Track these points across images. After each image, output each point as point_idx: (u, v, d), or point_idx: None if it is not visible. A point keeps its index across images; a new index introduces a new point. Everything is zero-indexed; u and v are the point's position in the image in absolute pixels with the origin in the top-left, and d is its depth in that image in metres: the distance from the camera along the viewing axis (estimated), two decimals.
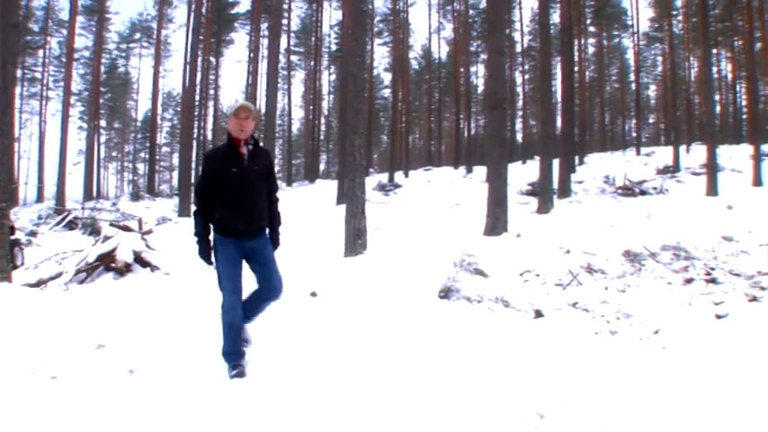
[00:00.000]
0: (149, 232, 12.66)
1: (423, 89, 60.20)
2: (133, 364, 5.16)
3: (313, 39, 49.02)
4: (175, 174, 63.83)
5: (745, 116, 53.29)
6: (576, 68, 33.41)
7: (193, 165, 35.24)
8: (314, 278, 9.18)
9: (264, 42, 38.23)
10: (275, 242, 5.42)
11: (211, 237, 5.17)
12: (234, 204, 4.99)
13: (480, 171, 39.27)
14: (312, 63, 50.81)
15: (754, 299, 7.91)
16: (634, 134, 55.01)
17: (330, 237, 14.49)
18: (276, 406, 4.08)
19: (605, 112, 62.93)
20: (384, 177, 39.17)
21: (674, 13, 42.85)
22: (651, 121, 74.52)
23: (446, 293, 8.45)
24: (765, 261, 10.45)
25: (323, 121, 55.87)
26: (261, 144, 5.37)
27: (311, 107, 52.55)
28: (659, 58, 62.47)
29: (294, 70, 52.19)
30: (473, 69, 55.48)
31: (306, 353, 5.46)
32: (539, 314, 7.70)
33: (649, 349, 6.01)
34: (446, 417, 3.97)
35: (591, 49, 52.86)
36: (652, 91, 71.59)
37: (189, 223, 21.42)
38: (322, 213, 22.59)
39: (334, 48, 50.33)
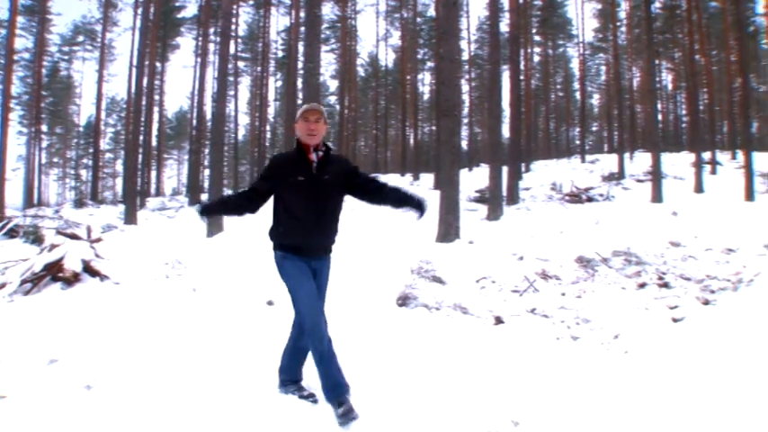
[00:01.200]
0: (98, 240, 12.32)
1: (369, 96, 60.25)
2: (90, 379, 4.88)
3: (260, 44, 48.64)
4: (119, 180, 62.73)
5: (685, 125, 54.51)
6: (522, 77, 33.73)
7: (139, 172, 34.68)
8: (270, 286, 9.05)
9: (212, 47, 37.90)
10: (419, 205, 4.49)
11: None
12: (299, 217, 4.40)
13: (427, 178, 39.36)
14: (259, 69, 50.46)
15: (706, 302, 8.06)
16: (578, 142, 55.85)
17: None
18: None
19: (550, 120, 63.78)
20: None
21: (618, 24, 43.56)
22: (595, 128, 75.63)
23: (404, 301, 8.41)
24: (713, 265, 10.66)
25: (268, 127, 55.56)
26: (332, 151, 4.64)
27: (257, 113, 52.10)
28: (603, 68, 63.50)
29: (240, 76, 51.71)
30: (420, 77, 55.69)
31: (264, 363, 5.34)
32: (499, 321, 7.71)
33: (613, 354, 6.07)
34: (418, 427, 3.95)
35: (536, 58, 53.45)
36: (596, 99, 72.71)
37: (136, 231, 21.07)
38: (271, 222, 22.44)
39: (281, 54, 50.10)
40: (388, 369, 5.15)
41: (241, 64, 50.82)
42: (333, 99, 56.71)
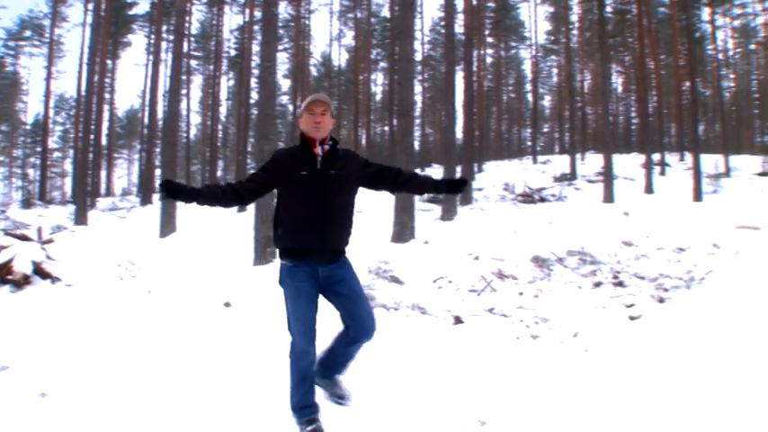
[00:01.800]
0: (50, 241, 12.03)
1: None
2: (44, 386, 4.67)
3: (213, 43, 48.17)
4: (69, 180, 61.54)
5: (635, 127, 55.44)
6: (474, 78, 33.96)
7: (89, 171, 34.10)
8: (226, 288, 8.94)
9: (164, 45, 37.41)
10: (450, 182, 4.22)
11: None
12: (302, 216, 3.99)
13: None
14: (211, 68, 49.96)
15: (661, 300, 8.16)
16: (530, 143, 56.47)
17: (236, 245, 14.21)
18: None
19: (502, 121, 64.37)
20: None
21: (570, 27, 44.14)
22: (546, 130, 76.46)
23: None
24: (665, 264, 10.82)
25: (220, 127, 55.07)
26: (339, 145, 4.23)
27: (209, 113, 51.58)
28: (555, 70, 64.29)
29: (192, 75, 51.10)
30: (373, 77, 55.78)
31: (223, 365, 5.28)
32: (458, 320, 7.70)
33: (573, 352, 6.09)
34: (387, 429, 3.94)
35: (489, 60, 53.84)
36: (547, 101, 73.55)
37: (87, 232, 20.71)
38: (225, 221, 22.16)
39: (233, 53, 49.70)
40: (350, 371, 5.12)
41: (193, 62, 50.26)
42: (285, 99, 56.41)
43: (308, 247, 3.99)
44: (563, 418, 4.09)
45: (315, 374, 4.16)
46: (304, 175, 3.96)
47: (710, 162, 31.72)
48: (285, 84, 56.01)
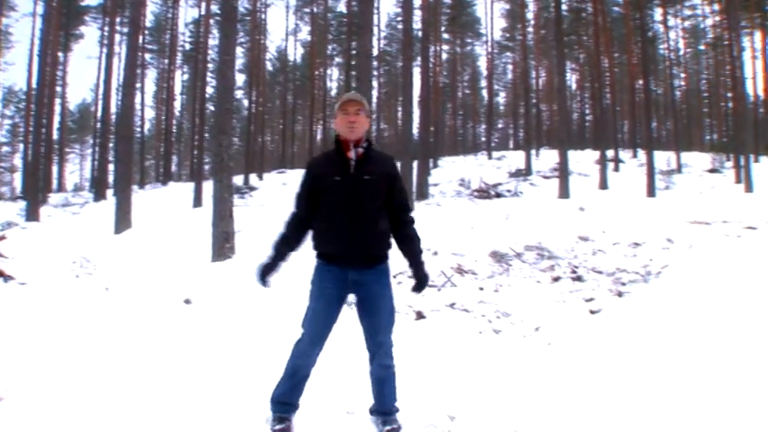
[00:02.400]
0: (2, 238, 11.82)
1: (276, 91, 59.83)
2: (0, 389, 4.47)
3: (167, 37, 47.60)
4: (18, 175, 60.23)
5: (588, 124, 56.12)
6: (430, 74, 34.07)
7: (41, 166, 33.39)
8: (185, 284, 8.79)
9: (117, 38, 36.84)
10: (419, 277, 4.16)
11: (292, 256, 4.17)
12: (334, 221, 3.93)
13: None
14: (166, 62, 49.38)
15: (620, 294, 8.26)
16: (484, 138, 56.81)
17: (193, 241, 14.03)
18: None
19: (457, 117, 64.73)
20: (238, 180, 38.49)
21: (523, 25, 44.49)
22: (500, 126, 77.07)
23: None
24: (622, 259, 10.95)
25: (175, 122, 54.43)
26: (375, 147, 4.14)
27: (163, 107, 50.98)
28: (509, 66, 64.86)
29: (146, 68, 50.38)
30: (328, 72, 55.66)
31: (186, 364, 5.18)
32: (420, 316, 7.69)
33: (537, 346, 6.13)
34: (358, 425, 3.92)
35: (444, 56, 54.07)
36: (502, 97, 74.15)
37: (39, 228, 20.33)
38: (180, 217, 21.90)
39: (188, 46, 49.17)
40: (317, 368, 5.09)
41: (147, 56, 49.63)
42: (240, 94, 55.98)
43: (339, 251, 3.95)
44: (530, 410, 4.12)
45: (307, 378, 4.08)
46: (337, 181, 3.90)
47: (663, 159, 32.31)
48: (240, 78, 55.61)
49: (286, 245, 4.11)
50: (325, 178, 3.94)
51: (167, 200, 30.37)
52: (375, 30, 46.95)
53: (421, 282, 4.11)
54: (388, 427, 3.93)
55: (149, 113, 63.78)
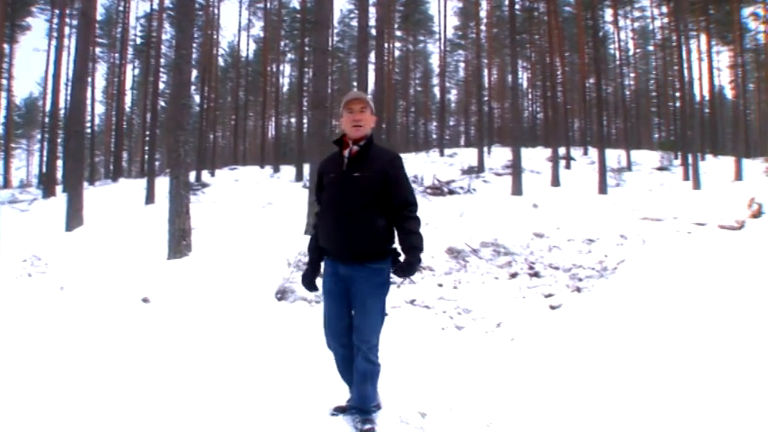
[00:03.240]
0: None
1: (228, 87, 59.31)
2: None
3: (118, 30, 46.80)
4: None
5: (539, 121, 56.75)
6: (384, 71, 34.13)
7: None
8: (142, 283, 8.61)
9: (66, 30, 36.14)
10: (401, 268, 3.99)
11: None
12: (322, 217, 4.12)
13: (287, 171, 39.20)
14: (116, 56, 48.60)
15: (578, 290, 8.35)
16: (435, 135, 57.12)
17: (147, 238, 13.79)
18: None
19: (409, 114, 64.99)
20: (191, 176, 37.96)
21: (476, 23, 44.79)
22: (452, 123, 77.46)
23: (283, 294, 8.24)
24: (577, 255, 11.08)
25: (125, 117, 53.58)
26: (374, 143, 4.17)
27: (114, 102, 50.10)
28: (461, 64, 65.23)
29: (96, 62, 49.47)
30: (281, 68, 55.36)
31: (146, 364, 5.05)
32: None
33: (500, 342, 6.17)
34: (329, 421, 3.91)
35: (397, 53, 54.21)
36: (453, 95, 74.51)
37: None
38: (133, 214, 21.57)
39: (140, 41, 48.42)
40: (277, 367, 5.05)
41: (97, 50, 48.76)
42: (191, 89, 55.35)
43: (327, 246, 4.10)
44: (500, 405, 4.14)
45: (347, 366, 4.17)
46: (332, 178, 4.04)
47: (613, 157, 32.80)
48: (192, 74, 54.86)
49: (315, 249, 4.29)
50: (325, 176, 4.12)
51: (118, 197, 29.87)
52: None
53: (403, 268, 3.97)
54: (367, 426, 3.93)
55: (99, 108, 62.76)
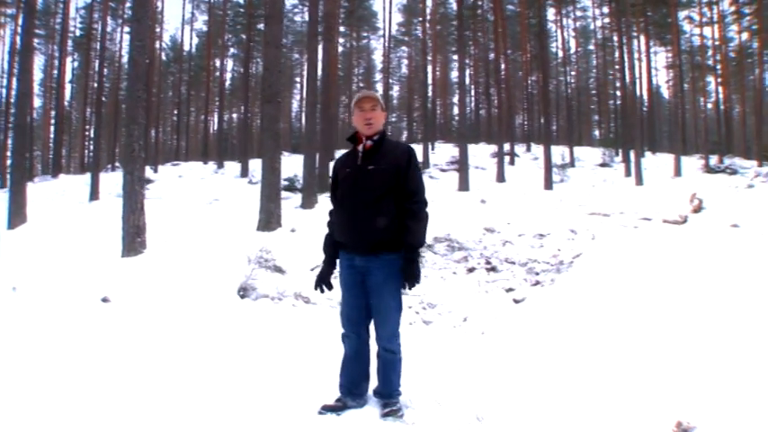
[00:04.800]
0: None
1: (169, 81, 58.54)
2: None
3: (59, 20, 45.55)
4: None
5: (483, 118, 57.35)
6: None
7: None
8: (99, 282, 8.36)
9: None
10: (407, 273, 4.02)
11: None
12: (339, 210, 4.26)
13: (231, 166, 38.91)
14: (54, 47, 47.48)
15: (537, 283, 8.54)
16: None
17: (97, 236, 13.46)
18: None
19: (351, 110, 65.12)
20: None
21: (421, 19, 45.11)
22: (393, 119, 77.68)
23: (245, 292, 8.20)
24: (529, 249, 11.26)
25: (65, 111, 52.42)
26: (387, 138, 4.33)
27: (52, 95, 48.94)
28: (405, 61, 65.50)
29: (34, 54, 48.21)
30: (225, 63, 54.84)
31: (113, 365, 4.91)
32: None
33: (471, 336, 6.26)
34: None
35: (340, 49, 54.16)
36: (395, 91, 74.73)
37: None
38: (78, 211, 21.07)
39: (79, 32, 47.42)
40: (243, 366, 5.03)
41: (35, 41, 47.56)
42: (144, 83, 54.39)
43: (343, 238, 4.21)
44: (486, 398, 4.17)
45: (359, 360, 4.30)
46: (348, 173, 4.20)
47: (557, 153, 33.26)
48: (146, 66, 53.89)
49: (331, 246, 4.38)
50: (341, 172, 4.28)
51: (60, 193, 29.20)
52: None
53: (407, 277, 4.03)
54: (387, 409, 4.04)
55: (36, 102, 61.26)
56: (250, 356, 5.32)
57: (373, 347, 4.29)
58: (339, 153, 40.66)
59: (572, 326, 5.82)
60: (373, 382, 4.32)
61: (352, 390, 4.23)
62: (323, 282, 4.37)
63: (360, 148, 4.21)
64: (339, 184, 4.28)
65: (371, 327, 4.27)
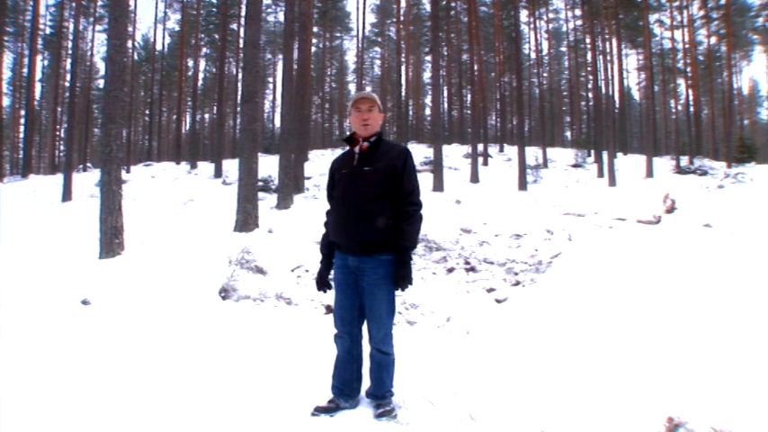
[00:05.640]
0: None
1: (141, 81, 58.13)
2: None
3: (29, 18, 44.91)
4: None
5: (455, 118, 57.61)
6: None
7: None
8: (78, 284, 8.20)
9: None
10: (399, 275, 4.06)
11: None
12: (334, 211, 4.29)
13: (205, 167, 38.67)
14: (24, 45, 46.90)
15: (517, 283, 8.61)
16: (348, 132, 57.38)
17: (72, 237, 13.30)
18: None
19: (324, 111, 65.11)
20: None
21: (395, 20, 45.24)
22: None
23: (227, 293, 8.17)
24: (507, 250, 11.35)
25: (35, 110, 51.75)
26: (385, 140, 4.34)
27: (21, 94, 48.35)
28: (377, 61, 65.64)
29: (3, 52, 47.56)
30: (198, 63, 54.56)
31: (98, 369, 4.84)
32: (330, 309, 7.71)
33: (456, 336, 6.30)
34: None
35: (313, 49, 54.10)
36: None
37: None
38: (50, 212, 20.78)
39: (49, 30, 46.87)
40: (241, 366, 5.03)
41: (4, 39, 46.95)
42: (103, 83, 53.81)
43: (337, 239, 4.23)
44: (478, 398, 4.18)
45: (352, 361, 4.31)
46: (344, 173, 4.22)
47: (530, 154, 33.46)
48: (104, 67, 53.43)
49: (328, 246, 4.40)
50: (337, 173, 4.31)
51: (31, 193, 28.80)
52: (241, 20, 46.38)
53: (398, 279, 4.07)
54: (381, 410, 4.07)
55: (4, 101, 60.40)
56: (237, 359, 5.29)
57: (366, 348, 4.31)
58: (313, 153, 40.72)
59: (556, 325, 5.87)
60: (365, 382, 4.33)
61: (344, 391, 4.23)
62: (322, 282, 4.41)
63: (356, 149, 4.23)
64: (335, 184, 4.32)
65: (364, 327, 4.29)
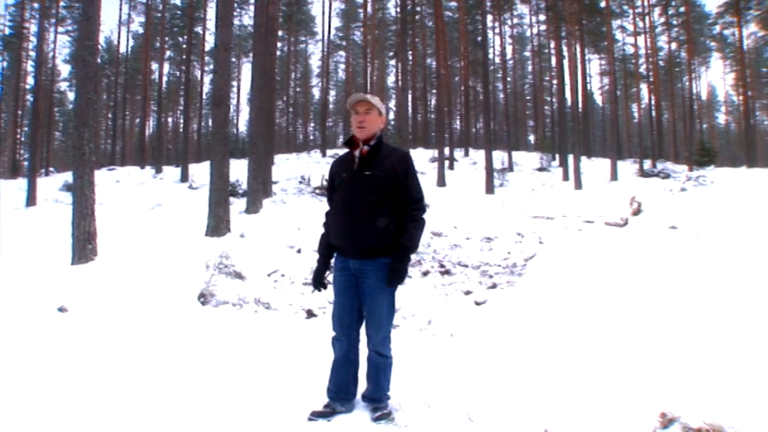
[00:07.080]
0: None
1: (104, 84, 57.59)
2: None
3: None
4: None
5: (420, 123, 57.95)
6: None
7: None
8: (53, 291, 8.00)
9: None
10: (393, 271, 4.07)
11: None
12: (334, 215, 4.30)
13: (170, 171, 38.35)
14: None
15: (493, 286, 8.70)
16: (312, 137, 57.42)
17: (41, 243, 13.08)
18: None
19: (288, 114, 65.06)
20: (68, 177, 36.34)
21: (361, 24, 45.35)
22: (329, 124, 77.79)
23: (205, 298, 8.13)
24: (479, 252, 11.46)
25: None
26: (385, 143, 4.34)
27: None
28: (342, 65, 65.75)
29: None
30: (162, 66, 54.12)
31: (79, 378, 4.75)
32: (311, 314, 7.78)
33: (440, 339, 6.35)
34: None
35: (278, 53, 54.01)
36: (332, 96, 74.86)
37: None
38: (15, 217, 20.34)
39: (8, 31, 46.18)
40: (229, 373, 5.03)
41: None
42: (64, 85, 53.35)
43: (338, 242, 4.25)
44: (473, 399, 4.23)
45: (348, 365, 4.33)
46: (344, 177, 4.21)
47: (496, 158, 33.74)
48: (65, 69, 52.96)
49: (326, 247, 4.44)
50: (337, 176, 4.30)
51: None
52: (206, 24, 46.14)
53: (391, 274, 4.09)
54: (378, 413, 4.11)
55: None
56: (224, 365, 5.27)
57: (363, 351, 4.34)
58: (278, 158, 40.59)
59: (539, 326, 5.96)
60: (361, 386, 4.36)
61: (341, 395, 4.25)
62: (318, 281, 4.45)
63: (356, 153, 4.23)
64: (335, 187, 4.31)
65: (362, 330, 4.32)
